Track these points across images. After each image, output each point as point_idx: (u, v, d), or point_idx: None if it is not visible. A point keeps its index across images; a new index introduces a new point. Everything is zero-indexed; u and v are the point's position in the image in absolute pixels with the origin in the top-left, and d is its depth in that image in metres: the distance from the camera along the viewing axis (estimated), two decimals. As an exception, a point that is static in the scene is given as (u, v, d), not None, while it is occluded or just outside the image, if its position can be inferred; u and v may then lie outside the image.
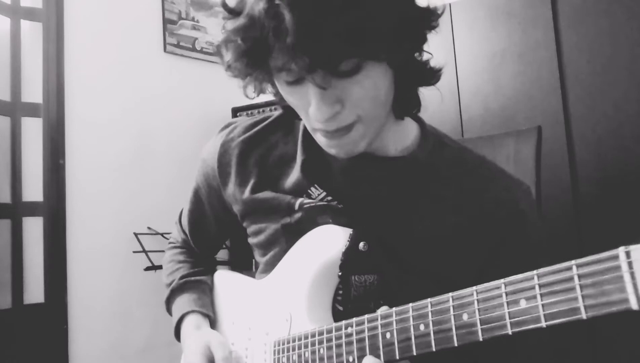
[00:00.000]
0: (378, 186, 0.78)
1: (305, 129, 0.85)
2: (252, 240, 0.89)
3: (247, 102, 2.59)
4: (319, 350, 0.72)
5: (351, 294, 0.76)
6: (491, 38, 2.03)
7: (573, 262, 0.47)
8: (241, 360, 0.86)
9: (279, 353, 0.79)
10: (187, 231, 1.04)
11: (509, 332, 0.52)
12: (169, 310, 1.00)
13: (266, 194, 0.83)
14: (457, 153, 0.82)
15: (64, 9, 2.23)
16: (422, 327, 0.60)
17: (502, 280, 0.53)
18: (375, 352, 0.64)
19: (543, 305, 0.49)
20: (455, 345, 0.56)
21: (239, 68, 0.69)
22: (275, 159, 0.86)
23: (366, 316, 0.67)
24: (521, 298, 0.51)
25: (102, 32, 2.37)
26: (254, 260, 0.95)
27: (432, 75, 0.75)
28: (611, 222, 1.72)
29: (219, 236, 1.04)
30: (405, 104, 0.77)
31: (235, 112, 2.62)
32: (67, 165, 2.19)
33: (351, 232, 0.75)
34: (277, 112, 0.89)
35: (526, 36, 1.95)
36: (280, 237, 0.82)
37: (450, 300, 0.58)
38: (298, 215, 0.80)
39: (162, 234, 2.31)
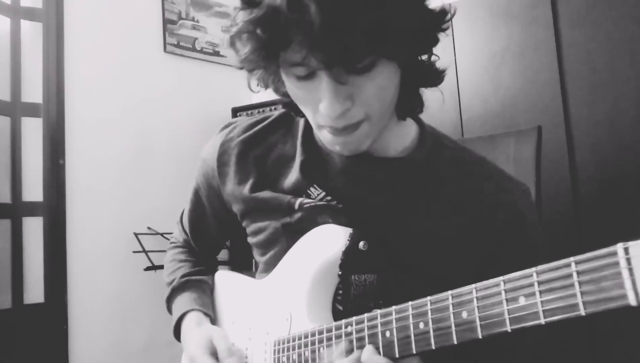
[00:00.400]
0: (377, 186, 0.78)
1: (304, 129, 0.85)
2: (252, 240, 0.89)
3: (247, 102, 2.59)
4: (319, 350, 0.72)
5: (351, 293, 0.76)
6: (491, 38, 2.03)
7: (572, 258, 0.47)
8: (241, 359, 0.86)
9: (279, 352, 0.79)
10: (188, 231, 1.04)
11: (508, 329, 0.52)
12: (169, 309, 1.00)
13: (266, 194, 0.83)
14: (457, 153, 0.83)
15: (64, 9, 2.23)
16: (421, 325, 0.60)
17: (501, 278, 0.53)
18: (375, 351, 0.64)
19: (542, 302, 0.49)
20: (455, 342, 0.57)
21: (254, 60, 0.68)
22: (275, 158, 0.86)
23: (366, 315, 0.67)
24: (520, 296, 0.51)
25: (102, 32, 2.37)
26: (254, 260, 0.95)
27: (437, 76, 0.75)
28: (611, 222, 1.72)
29: (219, 236, 1.04)
30: (408, 104, 0.77)
31: (235, 112, 2.62)
32: (67, 165, 2.19)
33: (351, 232, 0.75)
34: (276, 112, 0.89)
35: (526, 36, 1.95)
36: (280, 236, 0.82)
37: (450, 298, 0.58)
38: (298, 214, 0.80)
39: (162, 234, 2.31)
